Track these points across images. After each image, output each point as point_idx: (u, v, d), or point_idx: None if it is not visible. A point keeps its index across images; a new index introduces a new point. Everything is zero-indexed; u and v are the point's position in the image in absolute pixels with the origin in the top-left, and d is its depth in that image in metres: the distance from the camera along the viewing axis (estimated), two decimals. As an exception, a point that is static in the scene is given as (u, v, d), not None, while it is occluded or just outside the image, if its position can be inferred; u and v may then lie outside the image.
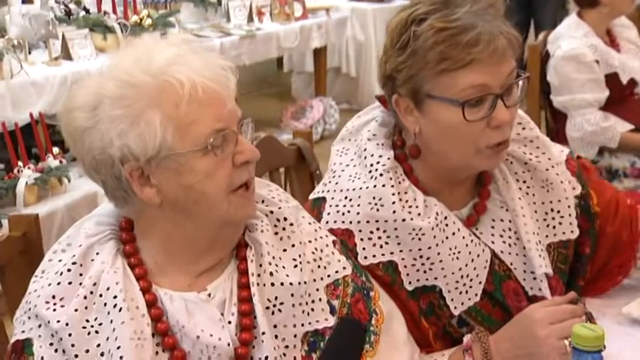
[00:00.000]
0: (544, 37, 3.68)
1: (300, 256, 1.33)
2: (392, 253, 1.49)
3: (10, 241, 1.59)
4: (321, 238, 1.40)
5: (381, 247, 1.49)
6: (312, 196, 1.59)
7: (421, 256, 1.50)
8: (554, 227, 1.58)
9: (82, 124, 1.23)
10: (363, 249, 1.49)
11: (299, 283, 1.31)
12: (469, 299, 1.53)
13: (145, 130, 1.20)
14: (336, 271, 1.37)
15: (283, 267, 1.31)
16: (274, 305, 1.29)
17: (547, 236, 1.58)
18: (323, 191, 1.57)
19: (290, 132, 5.65)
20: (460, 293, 1.52)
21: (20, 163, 3.20)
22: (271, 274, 1.30)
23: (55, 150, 3.30)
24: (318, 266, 1.36)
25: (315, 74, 6.03)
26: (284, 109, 5.84)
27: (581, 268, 1.65)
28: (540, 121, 3.59)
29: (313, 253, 1.36)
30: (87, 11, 4.30)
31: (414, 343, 1.50)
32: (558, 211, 1.58)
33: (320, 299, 1.34)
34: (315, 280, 1.34)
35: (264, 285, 1.29)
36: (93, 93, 1.24)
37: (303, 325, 1.31)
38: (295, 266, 1.32)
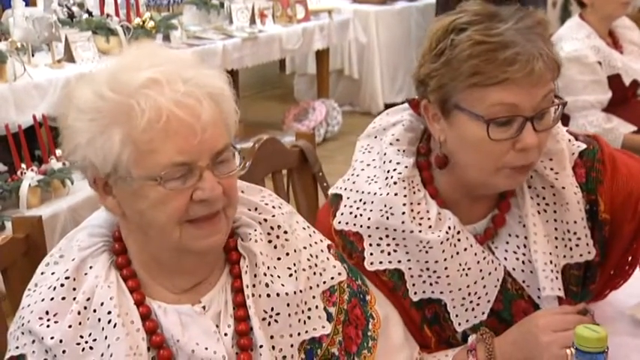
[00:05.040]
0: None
1: (295, 264, 1.32)
2: (399, 262, 1.48)
3: (14, 243, 1.60)
4: (315, 243, 1.38)
5: (389, 254, 1.48)
6: (331, 191, 1.58)
7: (428, 269, 1.48)
8: (571, 248, 1.53)
9: (60, 123, 1.23)
10: (371, 254, 1.49)
11: (295, 293, 1.29)
12: (475, 317, 1.51)
13: (105, 146, 1.17)
14: (332, 277, 1.36)
15: (278, 276, 1.30)
16: (270, 316, 1.27)
17: (565, 256, 1.53)
18: (341, 187, 1.55)
19: (293, 134, 5.67)
20: (466, 310, 1.50)
21: (23, 166, 3.21)
22: (267, 285, 1.28)
23: (58, 152, 3.30)
24: (314, 273, 1.34)
25: (317, 76, 6.02)
26: (286, 111, 5.83)
27: (591, 275, 1.59)
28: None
29: (308, 259, 1.34)
30: (90, 14, 4.30)
31: (412, 341, 1.50)
32: (575, 232, 1.53)
33: (316, 307, 1.32)
34: (311, 288, 1.32)
35: (260, 296, 1.28)
36: (67, 94, 1.23)
37: (299, 334, 1.30)
38: (290, 275, 1.31)
